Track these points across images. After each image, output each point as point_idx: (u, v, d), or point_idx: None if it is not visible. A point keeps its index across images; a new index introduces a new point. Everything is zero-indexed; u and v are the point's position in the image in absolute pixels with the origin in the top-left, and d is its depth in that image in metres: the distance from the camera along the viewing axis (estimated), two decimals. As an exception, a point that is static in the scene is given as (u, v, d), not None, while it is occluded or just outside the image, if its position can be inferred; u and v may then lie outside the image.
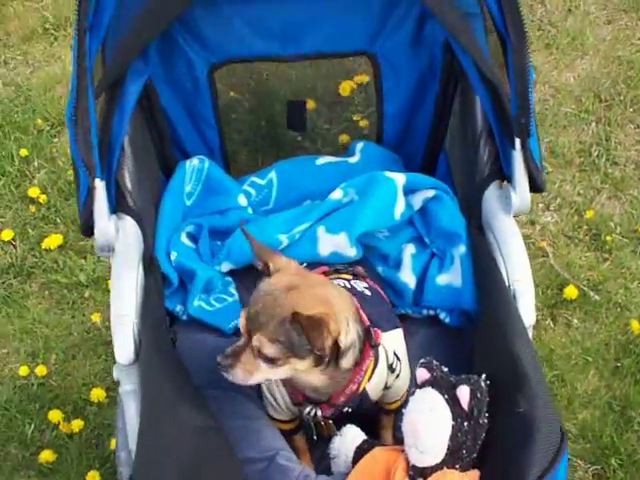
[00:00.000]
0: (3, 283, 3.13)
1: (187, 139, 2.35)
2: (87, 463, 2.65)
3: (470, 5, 1.98)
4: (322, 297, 1.73)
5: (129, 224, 1.98)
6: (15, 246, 3.23)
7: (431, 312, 2.12)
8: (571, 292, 3.02)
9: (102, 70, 1.92)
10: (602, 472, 2.66)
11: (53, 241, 3.18)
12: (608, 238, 3.22)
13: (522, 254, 1.92)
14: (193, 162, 2.30)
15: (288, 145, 2.61)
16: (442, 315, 2.10)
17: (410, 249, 2.19)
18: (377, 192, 2.11)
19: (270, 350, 1.66)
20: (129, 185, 2.00)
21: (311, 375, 1.74)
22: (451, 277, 2.09)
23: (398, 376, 1.88)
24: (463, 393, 1.54)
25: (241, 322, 1.72)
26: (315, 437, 1.90)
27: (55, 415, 2.72)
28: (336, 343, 1.68)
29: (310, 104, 2.59)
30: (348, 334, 1.71)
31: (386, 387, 1.89)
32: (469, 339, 1.98)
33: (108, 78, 1.91)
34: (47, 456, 2.64)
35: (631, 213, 3.32)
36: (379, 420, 1.98)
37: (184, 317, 2.13)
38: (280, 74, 2.56)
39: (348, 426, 1.86)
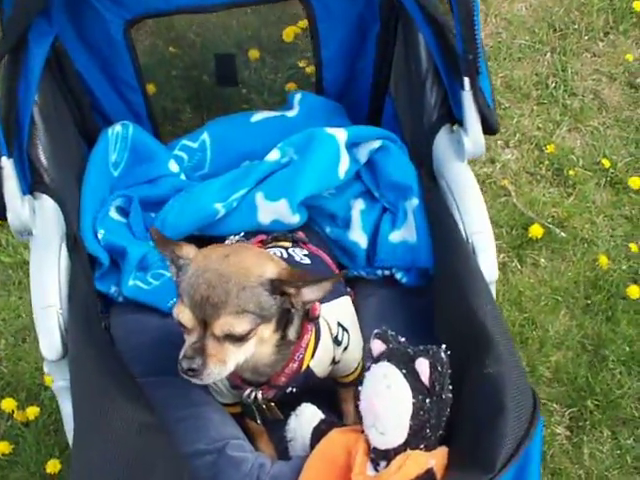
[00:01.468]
0: (-55, 267, 2.99)
1: (109, 105, 2.18)
2: (46, 451, 2.54)
3: None
4: (265, 253, 1.63)
5: (47, 204, 1.82)
6: (-45, 228, 3.09)
7: (386, 272, 1.98)
8: (536, 231, 2.95)
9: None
10: (579, 414, 2.60)
11: (-7, 220, 3.03)
12: (571, 172, 3.14)
13: (479, 203, 1.78)
14: (116, 128, 2.13)
15: (231, 100, 2.46)
16: (398, 275, 1.97)
17: (359, 205, 2.04)
18: (317, 152, 1.94)
19: (241, 324, 1.51)
20: (44, 160, 1.83)
21: (264, 346, 1.60)
22: (405, 233, 1.95)
23: (346, 349, 1.76)
24: (422, 367, 1.40)
25: (185, 317, 1.53)
26: (259, 422, 1.77)
27: (8, 404, 2.60)
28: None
29: (254, 54, 2.46)
30: None
31: (334, 362, 1.77)
32: (430, 299, 1.84)
33: (7, 39, 1.72)
34: (3, 448, 2.52)
35: (593, 145, 3.25)
36: (338, 393, 1.86)
37: (120, 299, 1.98)
38: (209, 25, 2.40)
39: (304, 405, 1.72)
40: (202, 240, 1.96)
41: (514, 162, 3.22)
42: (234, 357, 1.53)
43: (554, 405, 2.63)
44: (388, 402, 1.42)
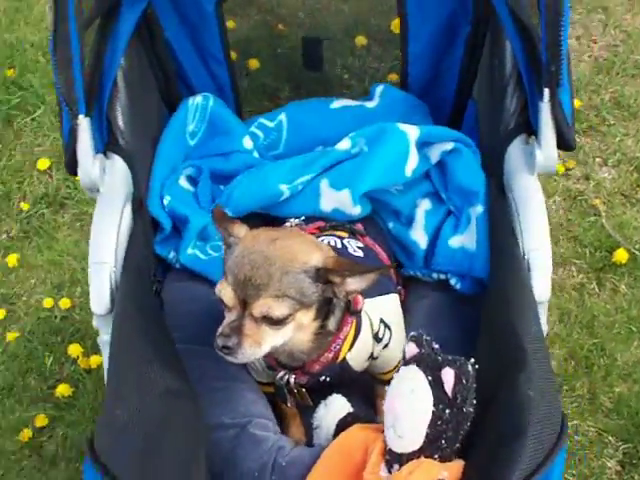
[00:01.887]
0: (36, 213, 3.11)
1: (194, 75, 2.21)
2: (102, 400, 2.62)
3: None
4: (314, 241, 1.62)
5: (118, 164, 1.85)
6: (51, 176, 3.21)
7: (442, 276, 1.95)
8: (621, 256, 2.84)
9: None
10: (634, 451, 2.50)
11: (87, 171, 3.13)
12: (668, 200, 3.00)
13: (542, 220, 1.71)
14: (197, 99, 2.16)
15: (332, 83, 2.47)
16: (453, 281, 1.93)
17: (425, 205, 2.01)
18: (386, 147, 1.92)
19: (280, 308, 1.51)
20: (121, 123, 1.87)
21: (302, 333, 1.60)
22: (465, 239, 1.91)
23: (387, 346, 1.74)
24: (448, 376, 1.37)
25: (226, 295, 1.53)
26: (289, 404, 1.76)
27: (75, 349, 2.70)
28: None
29: (360, 40, 2.47)
30: None
31: (373, 357, 1.75)
32: (480, 308, 1.80)
33: (101, 2, 1.76)
34: (64, 390, 2.63)
35: (697, 175, 3.09)
36: (375, 389, 1.85)
37: (177, 265, 2.01)
38: (320, 7, 2.44)
39: (335, 396, 1.73)
40: (265, 218, 1.98)
41: (610, 182, 3.10)
42: (270, 340, 1.53)
43: (609, 437, 2.54)
44: (408, 405, 1.40)
